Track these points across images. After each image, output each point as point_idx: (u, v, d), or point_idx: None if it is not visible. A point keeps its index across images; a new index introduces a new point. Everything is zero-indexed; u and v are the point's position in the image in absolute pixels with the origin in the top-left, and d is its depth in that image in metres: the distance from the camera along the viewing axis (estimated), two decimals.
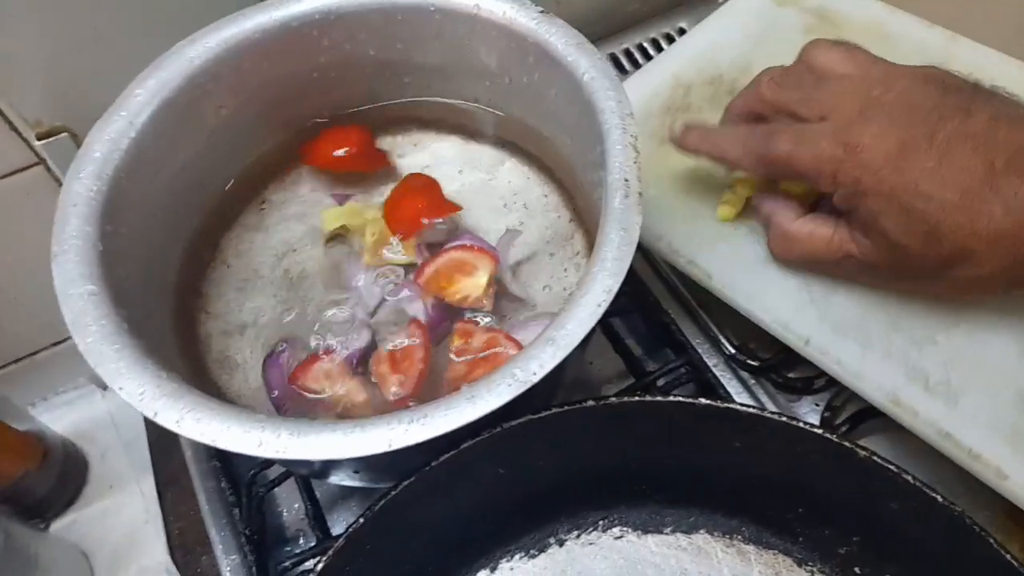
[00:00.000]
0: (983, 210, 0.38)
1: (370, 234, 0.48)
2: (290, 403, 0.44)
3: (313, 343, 0.46)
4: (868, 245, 0.43)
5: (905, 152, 0.40)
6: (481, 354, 0.43)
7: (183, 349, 0.44)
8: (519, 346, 0.43)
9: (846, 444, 0.38)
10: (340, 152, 0.50)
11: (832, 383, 0.52)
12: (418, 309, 0.46)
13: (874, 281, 0.46)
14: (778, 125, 0.45)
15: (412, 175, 0.50)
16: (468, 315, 0.46)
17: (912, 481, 0.37)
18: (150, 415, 0.34)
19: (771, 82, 0.46)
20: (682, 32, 0.72)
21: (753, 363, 0.52)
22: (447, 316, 0.46)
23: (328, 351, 0.45)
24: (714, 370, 0.52)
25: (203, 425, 0.33)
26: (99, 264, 0.38)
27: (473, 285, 0.46)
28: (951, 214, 0.39)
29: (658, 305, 0.54)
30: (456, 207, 0.48)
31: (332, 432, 0.33)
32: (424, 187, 0.49)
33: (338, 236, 0.50)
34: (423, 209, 0.47)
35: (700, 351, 0.53)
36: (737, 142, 0.46)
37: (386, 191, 0.51)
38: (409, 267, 0.47)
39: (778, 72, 0.47)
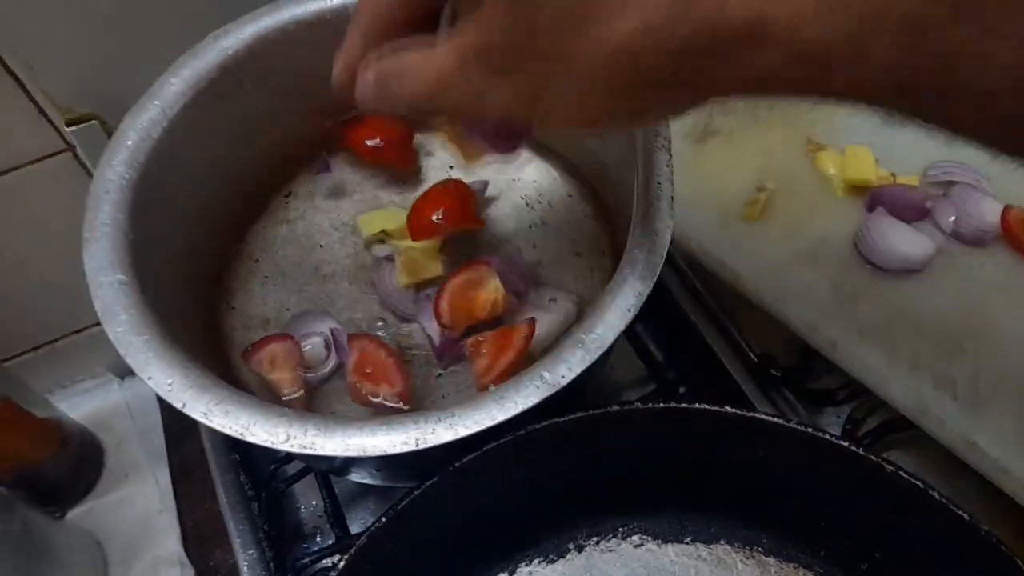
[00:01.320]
0: None
1: (403, 253, 0.48)
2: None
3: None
4: (492, 16, 0.26)
5: None
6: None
7: (209, 341, 0.44)
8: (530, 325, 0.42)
9: (873, 458, 0.38)
10: (373, 141, 0.50)
11: (854, 395, 0.52)
12: (433, 330, 0.45)
13: (521, 97, 0.28)
14: None
15: (447, 180, 0.50)
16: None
17: (939, 498, 0.36)
18: (178, 406, 0.34)
19: None
20: None
21: (775, 372, 0.52)
22: (456, 344, 0.45)
23: (293, 338, 0.45)
24: (736, 378, 0.51)
25: (231, 418, 0.33)
26: (129, 252, 0.38)
27: (491, 292, 0.45)
28: None
29: (681, 311, 0.54)
30: (479, 222, 0.48)
31: (359, 430, 0.33)
32: (451, 194, 0.48)
33: (377, 238, 0.49)
34: (444, 217, 0.46)
35: (722, 358, 0.52)
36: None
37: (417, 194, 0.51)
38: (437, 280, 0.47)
39: None
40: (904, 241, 0.49)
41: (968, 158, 0.52)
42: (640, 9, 0.24)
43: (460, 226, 0.47)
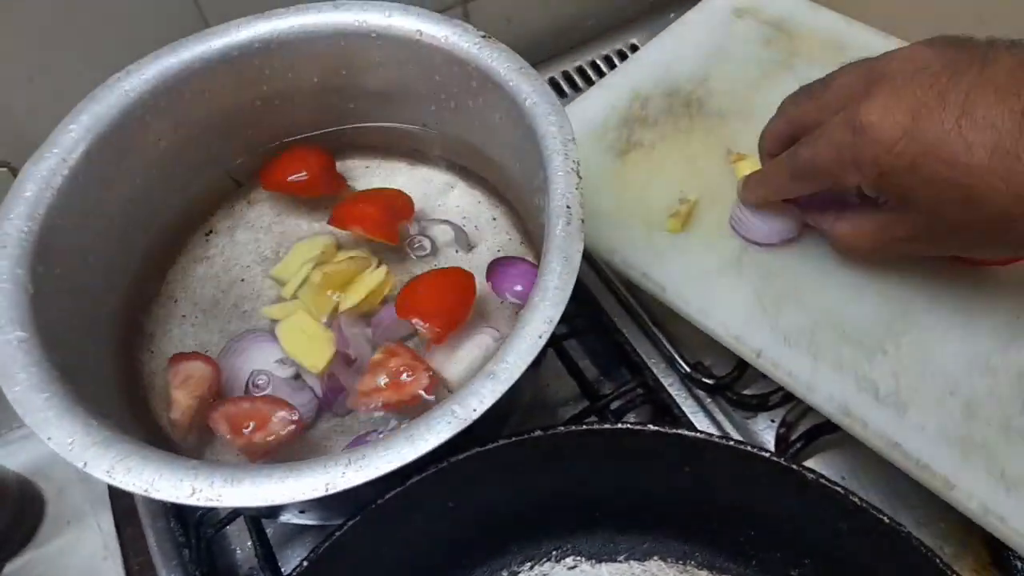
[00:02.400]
0: (1018, 168, 0.34)
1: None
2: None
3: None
4: (910, 221, 0.40)
5: (918, 118, 0.36)
6: (392, 377, 0.42)
7: (124, 389, 0.43)
8: (432, 381, 0.42)
9: (794, 467, 0.38)
10: (297, 176, 0.49)
11: (787, 399, 0.52)
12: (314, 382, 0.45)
13: (943, 250, 0.43)
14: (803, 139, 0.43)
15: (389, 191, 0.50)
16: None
17: (859, 503, 0.37)
18: (79, 465, 0.33)
19: (790, 100, 0.46)
20: (635, 48, 0.72)
21: (708, 381, 0.52)
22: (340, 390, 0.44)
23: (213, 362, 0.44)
24: (669, 390, 0.52)
25: (134, 475, 0.32)
26: (30, 307, 0.37)
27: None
28: (982, 177, 0.35)
29: (613, 325, 0.54)
30: (393, 238, 0.48)
31: (267, 478, 0.32)
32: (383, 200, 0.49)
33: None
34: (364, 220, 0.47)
35: (655, 371, 0.52)
36: (780, 172, 0.46)
37: None
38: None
39: (796, 91, 0.46)
40: (771, 210, 0.50)
41: None
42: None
43: (376, 234, 0.47)
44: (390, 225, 0.48)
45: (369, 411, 0.43)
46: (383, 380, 0.42)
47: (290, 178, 0.49)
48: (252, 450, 0.41)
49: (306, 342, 0.45)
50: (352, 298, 0.46)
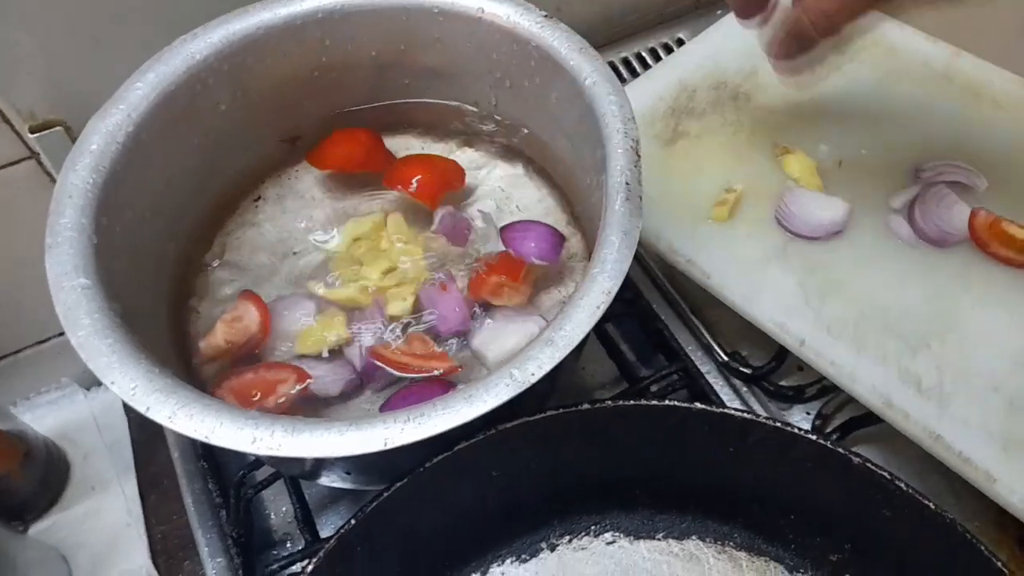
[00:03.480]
0: None
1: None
2: None
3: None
4: None
5: None
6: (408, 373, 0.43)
7: (176, 346, 0.43)
8: (444, 386, 0.43)
9: (840, 450, 0.38)
10: (344, 153, 0.50)
11: (823, 392, 0.52)
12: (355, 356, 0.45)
13: None
14: None
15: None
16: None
17: (905, 488, 0.37)
18: (142, 410, 0.33)
19: None
20: (680, 43, 0.73)
21: (745, 371, 0.52)
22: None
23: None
24: (707, 377, 0.52)
25: (196, 421, 0.33)
26: (94, 257, 0.38)
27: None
28: None
29: (652, 311, 0.54)
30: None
31: (327, 430, 0.33)
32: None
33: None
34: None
35: (693, 358, 0.53)
36: None
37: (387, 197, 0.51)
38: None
39: None
40: (818, 205, 0.51)
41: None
42: None
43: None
44: (436, 188, 0.48)
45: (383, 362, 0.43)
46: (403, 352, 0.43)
47: (338, 154, 0.50)
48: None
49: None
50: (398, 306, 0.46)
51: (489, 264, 0.46)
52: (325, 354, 0.44)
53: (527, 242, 0.47)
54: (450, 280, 0.46)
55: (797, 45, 0.47)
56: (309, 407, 0.43)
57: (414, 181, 0.48)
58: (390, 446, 0.32)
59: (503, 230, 0.48)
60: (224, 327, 0.44)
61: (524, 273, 0.45)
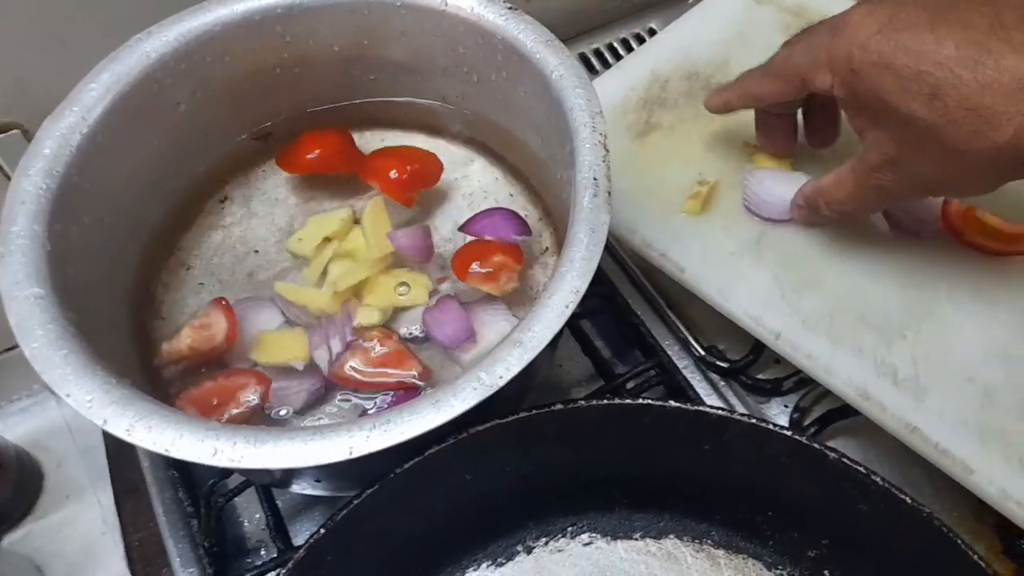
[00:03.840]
0: (988, 60, 0.34)
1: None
2: None
3: None
4: (883, 141, 0.40)
5: (894, 20, 0.37)
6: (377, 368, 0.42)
7: (138, 353, 0.42)
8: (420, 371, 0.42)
9: (816, 446, 0.38)
10: (314, 155, 0.48)
11: (800, 384, 0.52)
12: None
13: (921, 186, 0.42)
14: None
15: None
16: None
17: (881, 483, 0.37)
18: (99, 423, 0.32)
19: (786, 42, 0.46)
20: (652, 32, 0.72)
21: (722, 365, 0.52)
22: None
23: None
24: (684, 372, 0.51)
25: (155, 434, 0.32)
26: (48, 264, 0.36)
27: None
28: (950, 68, 0.35)
29: (627, 306, 0.54)
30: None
31: (290, 440, 0.32)
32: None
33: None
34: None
35: (670, 353, 0.52)
36: (752, 74, 0.47)
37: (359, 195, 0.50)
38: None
39: None
40: (780, 181, 0.50)
41: None
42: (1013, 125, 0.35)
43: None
44: (411, 184, 0.47)
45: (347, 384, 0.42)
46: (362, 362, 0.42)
47: (308, 157, 0.49)
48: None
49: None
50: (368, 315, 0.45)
51: (484, 246, 0.45)
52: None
53: (497, 225, 0.46)
54: (449, 298, 0.45)
55: (814, 218, 0.48)
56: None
57: (391, 173, 0.47)
58: (356, 455, 0.32)
59: (465, 226, 0.47)
60: (191, 333, 0.43)
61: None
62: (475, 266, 0.44)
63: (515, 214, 0.47)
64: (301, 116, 0.51)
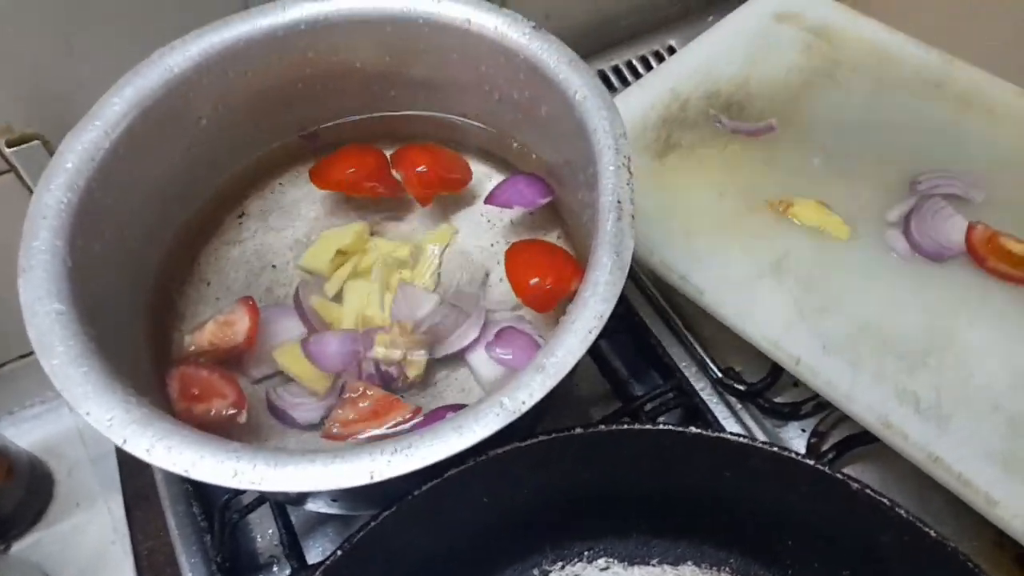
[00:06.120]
0: None
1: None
2: None
3: None
4: None
5: None
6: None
7: (158, 370, 0.42)
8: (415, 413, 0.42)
9: (839, 476, 0.37)
10: (349, 172, 0.48)
11: (818, 409, 0.52)
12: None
13: None
14: None
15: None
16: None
17: (905, 515, 0.36)
18: (119, 442, 0.32)
19: None
20: (672, 50, 0.72)
21: (740, 387, 0.51)
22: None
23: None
24: (701, 394, 0.51)
25: (175, 454, 0.32)
26: (68, 280, 0.36)
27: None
28: None
29: (645, 326, 0.53)
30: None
31: (311, 463, 0.31)
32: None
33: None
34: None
35: (687, 374, 0.52)
36: None
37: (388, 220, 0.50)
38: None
39: None
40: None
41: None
42: None
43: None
44: (432, 183, 0.48)
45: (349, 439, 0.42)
46: (352, 415, 0.42)
47: (341, 176, 0.48)
48: (189, 418, 0.40)
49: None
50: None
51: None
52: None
53: (522, 192, 0.47)
54: (519, 322, 0.45)
55: None
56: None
57: (419, 168, 0.48)
58: (376, 479, 0.31)
59: (490, 198, 0.48)
60: (214, 328, 0.43)
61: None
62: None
63: (537, 177, 0.48)
64: (322, 130, 0.51)
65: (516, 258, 0.46)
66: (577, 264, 0.45)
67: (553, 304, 0.44)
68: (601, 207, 0.38)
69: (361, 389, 0.42)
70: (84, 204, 0.39)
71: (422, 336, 0.44)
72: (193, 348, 0.43)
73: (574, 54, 0.43)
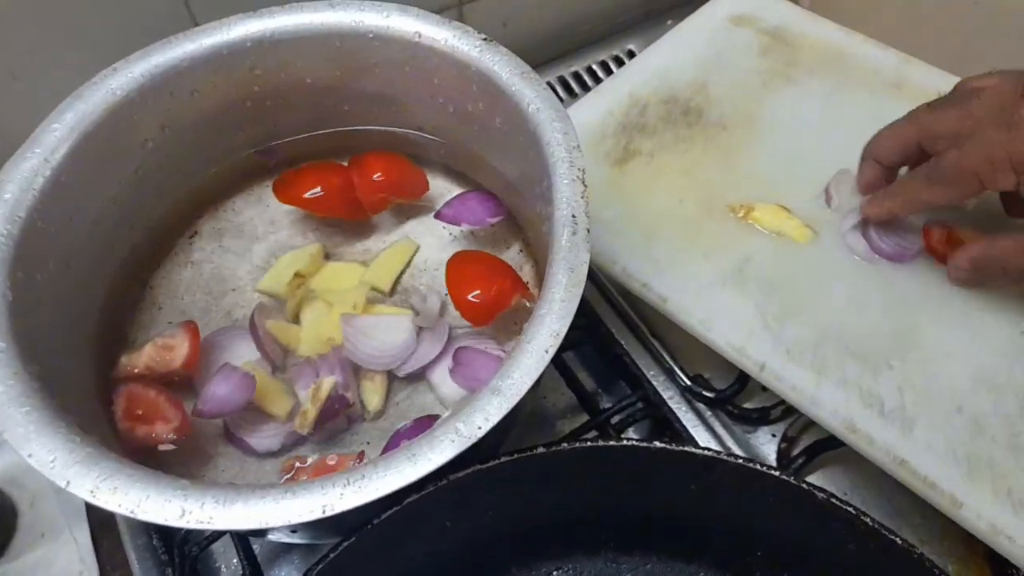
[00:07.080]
0: None
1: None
2: None
3: None
4: None
5: None
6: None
7: (106, 403, 0.41)
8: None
9: (804, 486, 0.37)
10: (314, 192, 0.47)
11: (788, 413, 0.51)
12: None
13: None
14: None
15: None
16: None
17: (871, 523, 0.36)
18: (62, 484, 0.31)
19: (925, 107, 0.45)
20: (631, 55, 0.71)
21: (708, 395, 0.51)
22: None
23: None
24: (669, 403, 0.50)
25: (120, 495, 0.31)
26: (8, 315, 0.35)
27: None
28: None
29: (611, 336, 0.53)
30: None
31: (261, 499, 0.31)
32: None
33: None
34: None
35: (655, 384, 0.51)
36: (913, 182, 0.45)
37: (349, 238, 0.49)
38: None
39: (932, 101, 0.46)
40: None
41: None
42: None
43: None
44: (381, 190, 0.48)
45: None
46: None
47: (307, 194, 0.47)
48: (130, 440, 0.40)
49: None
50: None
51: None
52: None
53: (473, 209, 0.47)
54: (481, 339, 0.44)
55: (979, 279, 0.47)
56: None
57: (375, 176, 0.47)
58: (329, 514, 0.31)
59: (440, 213, 0.47)
60: (152, 350, 0.42)
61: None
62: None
63: (490, 195, 0.48)
64: (274, 147, 0.50)
65: (455, 271, 0.45)
66: (517, 277, 0.44)
67: (491, 318, 0.43)
68: (556, 221, 0.38)
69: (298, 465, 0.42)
70: (25, 235, 0.37)
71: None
72: (130, 369, 0.42)
73: (527, 66, 0.43)
